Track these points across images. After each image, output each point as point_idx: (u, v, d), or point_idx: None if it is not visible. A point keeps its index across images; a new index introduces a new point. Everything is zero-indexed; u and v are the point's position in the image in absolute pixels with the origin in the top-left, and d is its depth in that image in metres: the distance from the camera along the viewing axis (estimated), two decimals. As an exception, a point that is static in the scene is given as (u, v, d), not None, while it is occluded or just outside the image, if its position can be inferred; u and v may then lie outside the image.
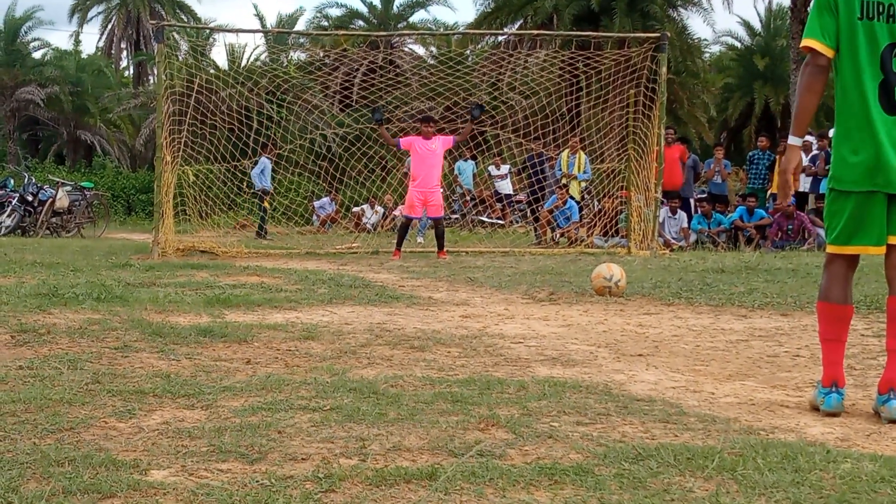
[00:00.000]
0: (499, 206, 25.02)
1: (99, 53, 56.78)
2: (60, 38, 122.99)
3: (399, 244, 15.25)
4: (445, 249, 15.12)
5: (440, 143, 15.05)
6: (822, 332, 4.66)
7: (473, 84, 24.49)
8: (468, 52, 34.02)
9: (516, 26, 35.60)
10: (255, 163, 21.27)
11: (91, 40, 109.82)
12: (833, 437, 3.98)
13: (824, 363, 4.57)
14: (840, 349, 4.57)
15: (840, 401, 4.43)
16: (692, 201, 20.56)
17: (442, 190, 16.45)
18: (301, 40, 39.04)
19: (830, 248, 4.61)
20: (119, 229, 31.01)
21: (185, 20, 52.09)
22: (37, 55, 54.27)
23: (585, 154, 20.12)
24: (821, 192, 18.64)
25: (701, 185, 22.40)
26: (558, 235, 19.29)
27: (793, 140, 4.63)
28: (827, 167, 18.80)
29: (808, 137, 20.44)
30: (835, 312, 4.61)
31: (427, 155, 14.93)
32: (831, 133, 18.34)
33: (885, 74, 4.38)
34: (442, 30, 43.53)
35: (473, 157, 24.78)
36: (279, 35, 42.14)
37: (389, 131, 18.20)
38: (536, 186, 19.81)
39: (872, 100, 4.38)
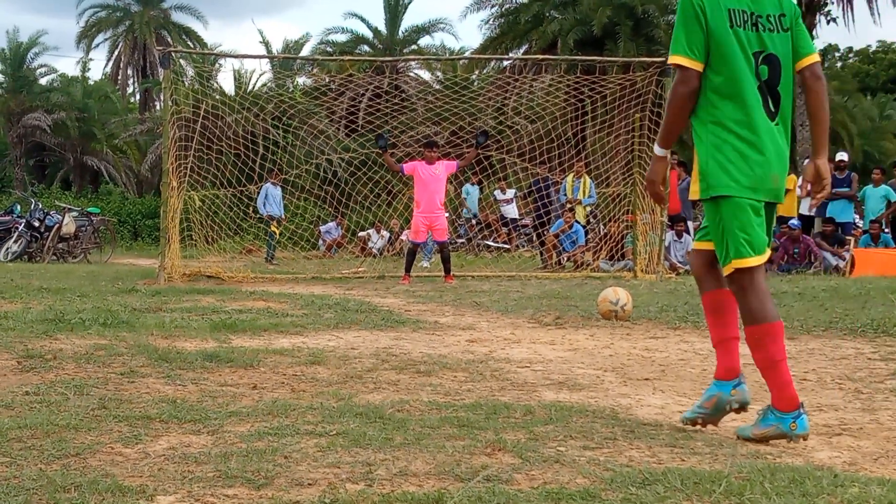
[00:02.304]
0: (504, 230, 25.05)
1: (105, 79, 56.98)
2: (67, 65, 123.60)
3: (408, 269, 15.27)
4: (452, 274, 15.13)
5: (443, 168, 15.09)
6: (770, 355, 4.45)
7: (479, 109, 24.57)
8: (473, 76, 34.15)
9: (521, 51, 35.75)
10: (259, 188, 21.33)
11: (98, 66, 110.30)
12: (840, 461, 3.97)
13: (779, 385, 4.40)
14: (785, 367, 4.46)
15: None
16: (691, 225, 20.56)
17: (447, 214, 16.49)
18: (307, 66, 39.15)
19: (752, 261, 4.44)
20: (125, 255, 31.05)
21: (192, 46, 52.26)
22: (43, 81, 54.49)
23: (591, 178, 20.15)
24: (827, 215, 18.64)
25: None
26: (564, 259, 19.29)
27: (659, 151, 4.61)
28: (833, 191, 18.83)
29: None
30: (775, 329, 4.50)
31: (430, 180, 14.97)
32: (842, 156, 18.27)
33: (759, 80, 4.42)
34: (447, 55, 43.69)
35: (479, 182, 24.83)
36: (285, 60, 42.27)
37: (395, 156, 18.26)
38: (542, 210, 19.83)
39: (756, 107, 4.40)
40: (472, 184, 24.72)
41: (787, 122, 4.54)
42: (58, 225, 23.27)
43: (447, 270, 15.09)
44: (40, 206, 24.66)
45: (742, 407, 4.54)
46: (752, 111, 4.39)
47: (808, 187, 4.64)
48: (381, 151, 15.64)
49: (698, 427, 4.56)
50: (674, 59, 4.44)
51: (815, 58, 4.62)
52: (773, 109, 4.46)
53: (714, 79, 4.41)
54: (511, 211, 25.01)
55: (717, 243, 4.50)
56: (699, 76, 4.42)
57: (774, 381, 4.41)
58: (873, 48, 66.37)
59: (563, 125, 22.07)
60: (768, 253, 4.53)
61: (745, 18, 4.45)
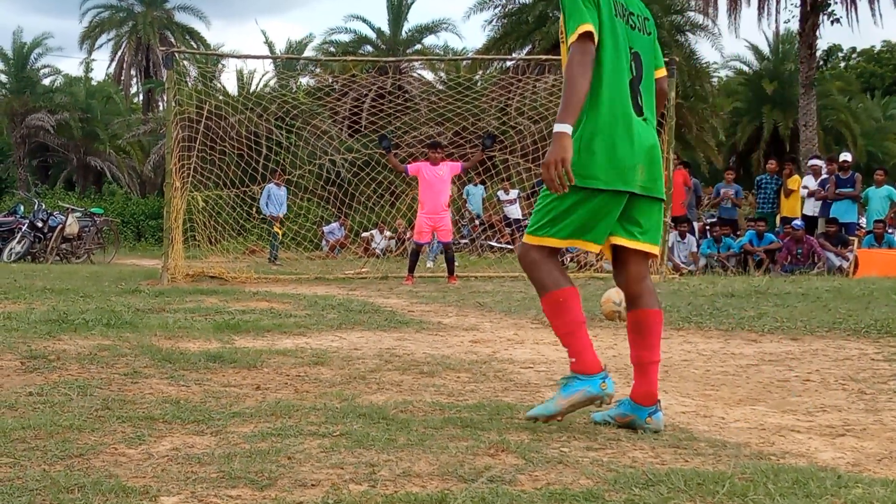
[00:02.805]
0: (508, 230, 25.02)
1: (109, 80, 57.07)
2: (71, 66, 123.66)
3: (411, 269, 15.28)
4: (456, 274, 15.15)
5: (448, 169, 15.11)
6: (569, 320, 4.40)
7: (482, 109, 24.55)
8: (477, 77, 34.15)
9: (525, 52, 35.73)
10: (262, 189, 21.35)
11: (101, 67, 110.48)
12: (844, 462, 3.96)
13: (580, 349, 4.39)
14: (585, 331, 4.45)
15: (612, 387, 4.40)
16: (695, 225, 20.58)
17: (451, 215, 16.49)
18: (310, 66, 39.16)
19: (549, 241, 4.43)
20: (128, 255, 31.08)
21: (195, 46, 52.28)
22: (47, 82, 54.59)
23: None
24: (831, 216, 18.64)
25: (710, 208, 22.41)
26: (568, 259, 19.28)
27: (563, 127, 4.19)
28: (837, 191, 18.87)
29: (816, 161, 20.49)
30: (568, 294, 4.44)
31: (434, 181, 14.99)
32: (846, 156, 18.27)
33: (631, 74, 4.43)
34: (451, 55, 43.68)
35: (483, 182, 24.84)
36: (288, 61, 42.29)
37: (398, 157, 18.26)
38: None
39: (627, 98, 4.39)
40: (476, 184, 24.73)
41: (653, 119, 4.55)
42: (61, 225, 23.31)
43: (451, 271, 15.11)
44: (44, 206, 24.70)
45: (655, 432, 4.44)
46: (624, 102, 4.38)
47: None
48: (384, 152, 15.65)
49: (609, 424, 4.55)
50: (584, 27, 4.24)
51: (663, 72, 4.71)
52: (640, 105, 4.46)
53: (602, 63, 4.36)
54: (514, 211, 24.99)
55: (541, 214, 4.48)
56: (594, 51, 4.31)
57: (575, 346, 4.41)
58: (878, 49, 66.34)
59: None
60: (597, 247, 4.52)
61: (623, 12, 4.45)
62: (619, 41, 4.39)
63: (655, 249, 4.61)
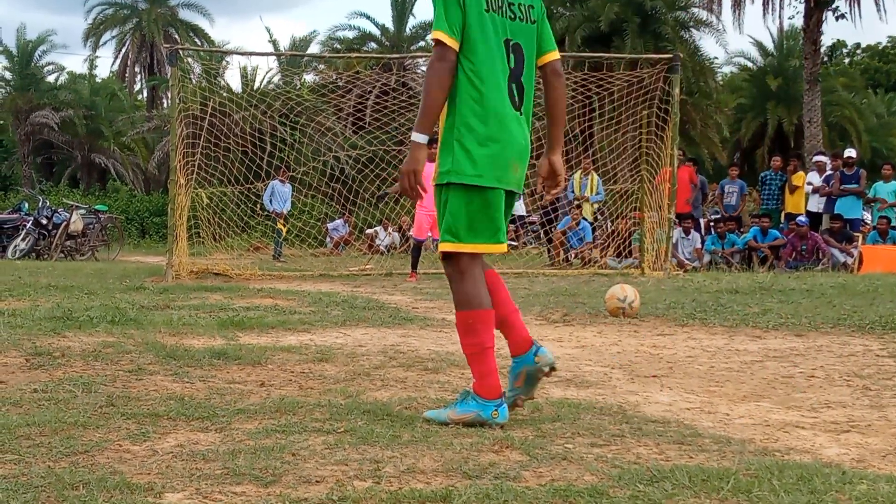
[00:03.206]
0: (512, 227, 25.01)
1: (113, 77, 57.08)
2: (75, 63, 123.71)
3: (414, 266, 15.29)
4: None
5: None
6: (482, 341, 4.41)
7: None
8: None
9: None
10: (266, 186, 21.37)
11: (105, 64, 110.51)
12: (849, 458, 3.96)
13: (485, 373, 4.38)
14: (493, 355, 4.46)
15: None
16: (702, 222, 20.55)
17: None
18: (314, 63, 39.14)
19: (471, 248, 4.43)
20: (133, 252, 31.11)
21: (199, 44, 52.30)
22: (51, 79, 54.60)
23: (598, 175, 20.14)
24: (835, 212, 18.62)
25: (713, 205, 22.40)
26: (572, 256, 19.29)
27: (418, 137, 4.33)
28: (842, 187, 18.88)
29: (821, 157, 20.47)
30: (490, 317, 4.45)
31: (431, 176, 15.03)
32: (850, 152, 18.33)
33: (509, 68, 4.41)
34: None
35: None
36: (292, 58, 42.28)
37: (402, 154, 18.31)
38: (549, 208, 19.81)
39: (504, 93, 4.38)
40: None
41: (529, 114, 4.54)
42: (66, 222, 23.33)
43: None
44: (48, 203, 24.73)
45: (552, 368, 4.52)
46: (499, 99, 4.37)
47: (541, 182, 4.70)
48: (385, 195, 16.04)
49: (520, 407, 4.57)
50: (435, 35, 4.31)
51: (557, 55, 4.64)
52: (517, 99, 4.45)
53: (465, 63, 4.35)
54: (518, 208, 24.99)
55: (440, 223, 4.50)
56: (457, 55, 4.32)
57: (480, 368, 4.41)
58: (883, 44, 66.23)
59: (571, 122, 22.04)
60: (503, 247, 4.55)
61: (500, 4, 4.41)
62: (490, 37, 4.37)
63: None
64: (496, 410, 4.35)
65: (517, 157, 4.44)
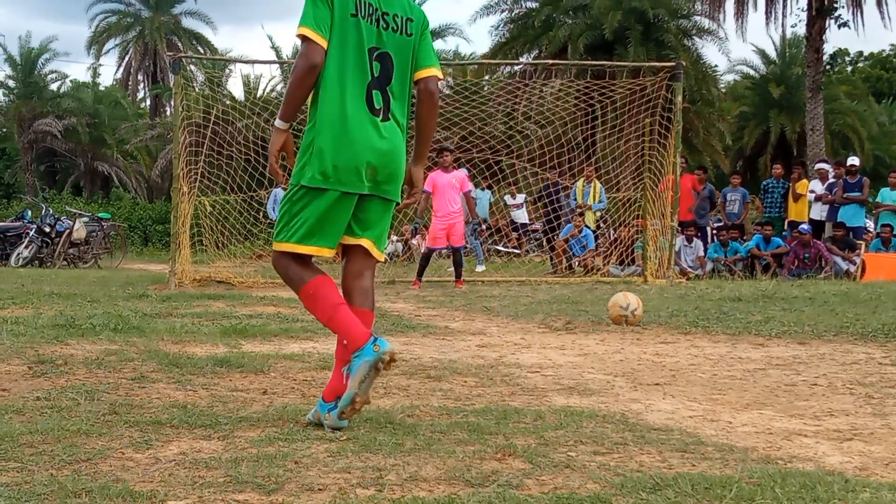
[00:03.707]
0: (515, 235, 25.03)
1: (116, 85, 57.13)
2: (78, 71, 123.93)
3: (420, 274, 15.35)
4: (463, 279, 15.20)
5: (458, 181, 15.29)
6: (330, 300, 4.48)
7: (489, 113, 24.56)
8: (484, 81, 34.12)
9: (531, 56, 35.74)
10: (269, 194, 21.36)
11: (108, 72, 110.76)
12: (852, 466, 3.96)
13: (349, 325, 4.40)
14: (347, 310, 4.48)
15: None
16: (709, 230, 20.53)
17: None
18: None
19: (285, 246, 4.53)
20: (136, 260, 31.13)
21: (202, 52, 52.31)
22: (54, 87, 54.69)
23: (601, 183, 20.15)
24: (838, 220, 18.62)
25: (716, 213, 22.40)
26: (575, 264, 19.28)
27: (280, 124, 4.48)
28: (844, 195, 18.89)
29: (824, 165, 20.46)
30: (321, 280, 4.52)
31: (447, 187, 15.18)
32: (853, 160, 18.41)
33: (371, 75, 4.46)
34: (458, 60, 43.69)
35: (489, 187, 24.85)
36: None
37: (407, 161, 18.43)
38: (552, 215, 19.82)
39: (357, 98, 4.43)
40: (483, 189, 24.75)
41: (399, 121, 4.57)
42: (68, 230, 23.35)
43: (458, 275, 15.18)
44: (51, 211, 24.76)
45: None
46: (352, 103, 4.43)
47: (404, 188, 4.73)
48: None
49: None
50: (301, 31, 4.38)
51: (433, 72, 4.64)
52: (377, 106, 4.48)
53: (328, 63, 4.42)
54: (521, 216, 25.01)
55: (279, 220, 4.57)
56: (323, 53, 4.39)
57: (341, 326, 4.44)
58: (886, 52, 66.23)
59: (574, 130, 22.10)
60: (329, 252, 4.59)
61: (371, 12, 4.47)
62: (348, 41, 4.42)
63: (371, 247, 4.66)
64: (375, 344, 4.31)
65: (371, 161, 4.47)
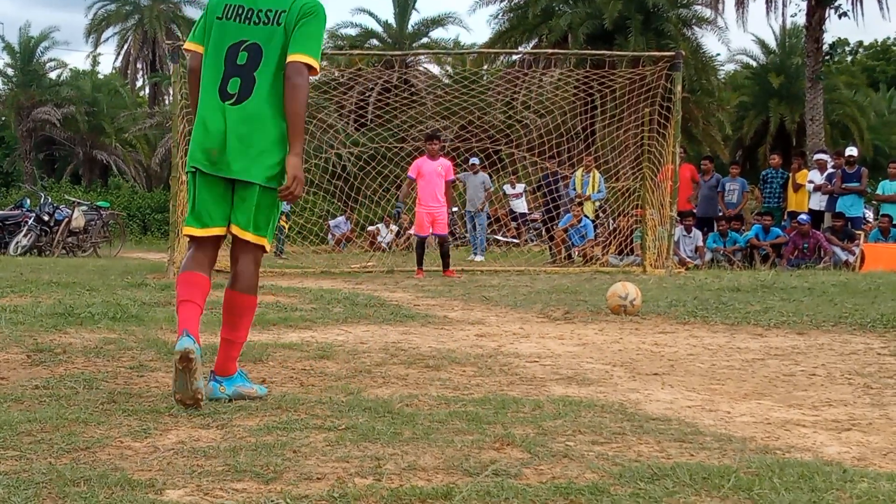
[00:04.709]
0: (514, 224, 25.03)
1: (115, 74, 57.05)
2: (77, 59, 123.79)
3: (419, 262, 15.37)
4: (452, 268, 15.22)
5: (444, 169, 15.27)
6: (178, 294, 4.87)
7: (488, 103, 24.53)
8: (483, 70, 34.10)
9: (531, 45, 35.69)
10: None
11: (107, 60, 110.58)
12: (850, 456, 3.96)
13: (181, 320, 4.75)
14: (195, 311, 4.79)
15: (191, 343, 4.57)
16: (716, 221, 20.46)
17: (456, 209, 16.61)
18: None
19: (196, 232, 4.93)
20: (135, 249, 31.12)
21: (201, 40, 52.11)
22: (53, 75, 54.58)
23: (600, 173, 20.13)
24: (837, 210, 18.61)
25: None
26: (574, 254, 19.28)
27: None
28: (843, 185, 18.89)
29: (823, 155, 20.44)
30: (186, 277, 4.88)
31: (432, 175, 15.16)
32: (852, 150, 18.41)
33: (226, 68, 4.87)
34: (457, 49, 43.62)
35: (489, 177, 24.85)
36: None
37: (405, 150, 18.37)
38: (551, 205, 19.81)
39: (211, 88, 4.88)
40: (475, 173, 24.71)
41: (261, 101, 4.84)
42: (67, 219, 23.32)
43: (446, 265, 15.21)
44: (50, 200, 24.71)
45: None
46: (209, 93, 4.88)
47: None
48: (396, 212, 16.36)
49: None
50: (185, 45, 5.13)
51: (296, 58, 4.84)
52: (230, 91, 4.84)
53: (203, 63, 4.98)
54: (520, 206, 24.99)
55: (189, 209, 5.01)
56: (198, 58, 5.00)
57: (177, 320, 4.79)
58: (887, 41, 66.13)
59: (573, 119, 22.05)
60: (218, 230, 4.91)
61: (240, 12, 4.93)
62: (212, 40, 4.94)
63: (243, 233, 4.93)
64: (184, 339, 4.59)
65: (212, 142, 4.82)
